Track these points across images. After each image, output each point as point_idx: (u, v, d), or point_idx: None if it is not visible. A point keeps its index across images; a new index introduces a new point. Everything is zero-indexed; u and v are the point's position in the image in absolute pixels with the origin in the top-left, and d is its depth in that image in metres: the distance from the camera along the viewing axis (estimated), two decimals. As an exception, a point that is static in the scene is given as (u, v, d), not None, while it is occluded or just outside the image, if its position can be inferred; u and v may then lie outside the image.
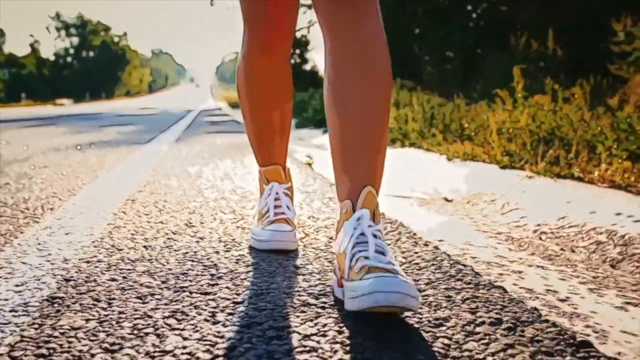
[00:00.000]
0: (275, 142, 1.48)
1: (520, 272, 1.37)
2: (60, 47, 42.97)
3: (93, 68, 44.10)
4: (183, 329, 0.90)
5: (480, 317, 0.98)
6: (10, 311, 0.96)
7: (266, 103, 1.45)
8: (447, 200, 2.54)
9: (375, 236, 1.04)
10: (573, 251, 1.69)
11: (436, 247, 1.47)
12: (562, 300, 1.16)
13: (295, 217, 1.46)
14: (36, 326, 0.90)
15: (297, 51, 19.56)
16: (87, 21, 44.79)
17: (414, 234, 1.62)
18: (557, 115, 3.27)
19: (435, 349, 0.85)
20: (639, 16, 6.83)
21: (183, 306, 1.00)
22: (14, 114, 13.33)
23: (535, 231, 1.91)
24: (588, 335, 0.96)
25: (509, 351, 0.84)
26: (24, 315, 0.95)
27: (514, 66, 3.42)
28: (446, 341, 0.87)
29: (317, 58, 19.70)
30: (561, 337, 0.91)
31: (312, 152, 4.02)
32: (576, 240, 1.76)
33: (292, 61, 19.07)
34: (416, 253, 1.41)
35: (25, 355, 0.80)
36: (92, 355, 0.80)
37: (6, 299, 1.02)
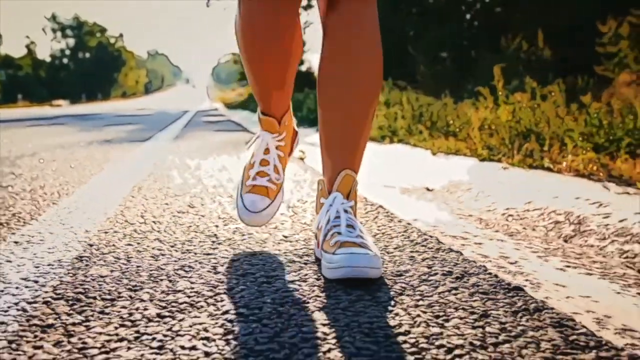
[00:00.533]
0: (273, 95, 1.39)
1: (480, 243, 1.58)
2: (56, 48, 43.18)
3: (89, 69, 44.29)
4: (190, 277, 1.10)
5: (435, 270, 1.18)
6: (48, 265, 1.17)
7: (266, 59, 1.32)
8: (428, 189, 2.74)
9: (346, 211, 1.20)
10: (533, 230, 1.90)
11: (408, 223, 1.68)
12: (511, 263, 1.37)
13: (280, 180, 1.40)
14: (70, 275, 1.11)
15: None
16: (83, 22, 45.01)
17: (391, 214, 1.82)
18: (536, 112, 3.48)
19: (393, 289, 1.06)
20: (624, 17, 7.07)
21: (189, 262, 1.21)
22: (14, 114, 13.48)
23: (503, 214, 2.12)
24: (524, 285, 1.17)
25: (453, 292, 1.05)
26: (59, 268, 1.15)
27: (495, 65, 3.63)
28: (403, 285, 1.08)
29: (312, 59, 19.88)
30: (499, 284, 1.12)
31: (305, 148, 4.23)
32: (537, 221, 1.97)
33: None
34: (390, 227, 1.61)
35: (66, 293, 1.00)
36: (119, 293, 1.01)
37: (42, 257, 1.23)
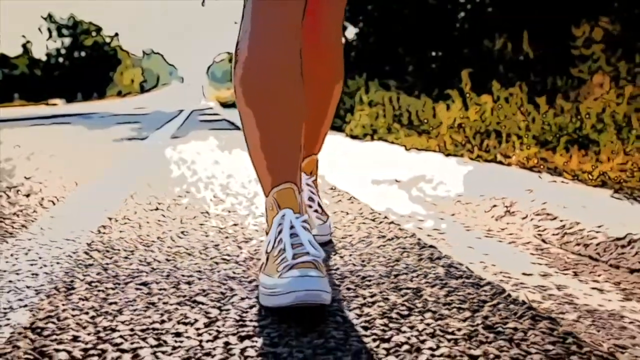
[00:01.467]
0: (299, 153, 1.17)
1: (422, 220, 1.96)
2: (52, 47, 43.56)
3: (85, 68, 44.65)
4: (188, 238, 1.48)
5: (372, 234, 1.56)
6: (82, 230, 1.55)
7: (279, 106, 1.14)
8: (396, 181, 3.12)
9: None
10: (474, 212, 2.28)
11: (366, 205, 2.06)
12: (440, 233, 1.75)
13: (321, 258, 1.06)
14: (100, 236, 1.48)
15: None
16: (78, 22, 45.39)
17: (354, 198, 2.20)
18: (499, 112, 3.87)
19: (337, 247, 1.44)
20: (596, 22, 7.47)
21: (186, 229, 1.58)
22: (14, 114, 13.80)
23: (453, 199, 2.50)
24: (440, 246, 1.54)
25: (380, 247, 1.43)
26: (90, 232, 1.53)
27: (463, 70, 4.01)
28: (345, 243, 1.46)
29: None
30: (418, 244, 1.49)
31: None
32: (479, 204, 2.35)
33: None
34: (349, 207, 1.99)
35: (98, 251, 1.38)
36: (136, 247, 1.38)
37: (78, 219, 1.61)
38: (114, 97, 44.12)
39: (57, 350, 0.78)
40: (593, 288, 1.20)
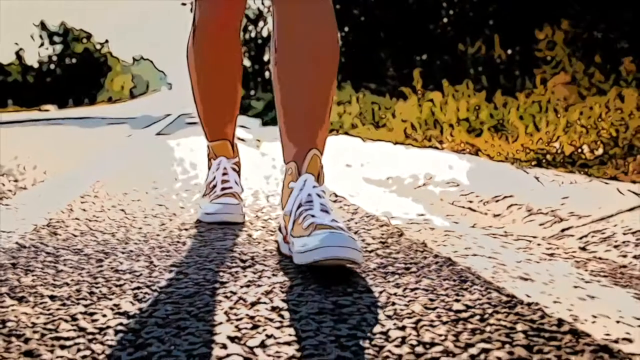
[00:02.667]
0: (225, 117, 1.57)
1: (358, 193, 2.45)
2: (44, 54, 43.89)
3: (76, 75, 45.00)
4: (174, 198, 1.96)
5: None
6: (74, 197, 2.03)
7: (217, 77, 1.52)
8: (347, 165, 3.62)
9: (319, 196, 1.14)
10: (401, 184, 2.77)
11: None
12: (357, 192, 2.24)
13: (241, 192, 1.58)
14: (87, 198, 1.96)
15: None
16: (69, 29, 45.76)
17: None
18: (444, 107, 4.38)
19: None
20: (558, 25, 8.01)
21: (172, 196, 2.07)
22: (15, 117, 14.21)
23: (387, 178, 2.99)
24: (345, 195, 2.03)
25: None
26: (85, 195, 2.01)
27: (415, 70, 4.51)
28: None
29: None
30: (372, 217, 1.98)
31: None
32: (406, 180, 2.84)
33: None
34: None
35: (92, 205, 1.86)
36: (139, 214, 1.86)
37: (76, 179, 2.08)
38: (104, 103, 44.49)
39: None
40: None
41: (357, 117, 5.41)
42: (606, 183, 1.93)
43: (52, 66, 44.05)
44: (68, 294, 0.92)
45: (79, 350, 0.71)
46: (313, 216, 1.09)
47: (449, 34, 12.97)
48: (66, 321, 0.81)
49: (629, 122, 2.54)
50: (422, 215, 1.78)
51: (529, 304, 0.88)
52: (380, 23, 13.77)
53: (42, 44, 44.31)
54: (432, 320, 0.80)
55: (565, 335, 0.76)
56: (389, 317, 0.82)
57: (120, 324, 0.79)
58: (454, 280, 1.01)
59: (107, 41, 49.99)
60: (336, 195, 2.13)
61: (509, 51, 9.90)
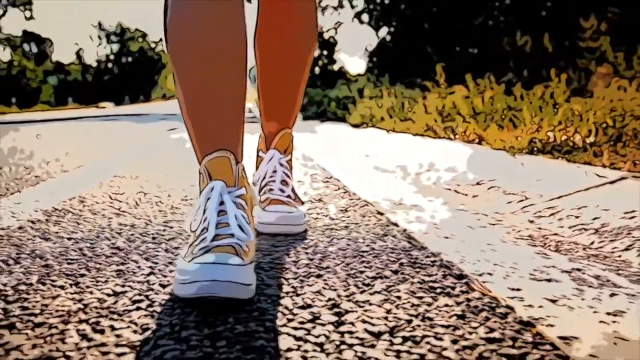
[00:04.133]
0: (238, 116, 1.03)
1: (360, 177, 2.69)
2: (101, 54, 45.88)
3: (132, 73, 46.68)
4: (178, 175, 2.27)
5: (308, 173, 2.31)
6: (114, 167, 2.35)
7: (214, 60, 1.00)
8: (366, 155, 3.86)
9: (281, 165, 1.37)
10: (403, 172, 3.00)
11: (323, 168, 2.80)
12: (359, 179, 2.49)
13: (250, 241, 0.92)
14: (120, 176, 2.28)
15: (325, 52, 20.90)
16: (126, 29, 47.49)
17: (320, 166, 2.95)
18: (468, 100, 4.55)
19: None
20: (604, 15, 7.98)
21: (179, 172, 2.37)
22: (74, 114, 15.03)
23: (396, 166, 3.21)
24: (338, 177, 2.28)
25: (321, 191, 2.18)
26: (119, 175, 2.33)
27: (438, 64, 4.69)
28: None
29: (344, 58, 20.78)
30: (328, 184, 2.24)
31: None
32: (414, 169, 3.06)
33: (320, 62, 20.43)
34: (309, 167, 2.75)
35: (109, 188, 2.18)
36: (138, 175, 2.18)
37: (106, 167, 2.42)
38: (159, 100, 45.88)
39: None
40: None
41: (388, 110, 5.62)
42: (578, 167, 2.12)
43: (110, 65, 45.75)
44: (86, 236, 1.22)
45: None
46: (271, 190, 1.32)
47: (500, 26, 12.91)
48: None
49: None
50: (403, 195, 2.01)
51: (433, 254, 1.12)
52: (427, 17, 13.83)
53: (100, 44, 46.10)
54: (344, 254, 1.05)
55: (439, 269, 0.99)
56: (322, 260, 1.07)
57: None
58: (378, 234, 1.26)
59: (161, 40, 51.51)
60: (319, 166, 2.39)
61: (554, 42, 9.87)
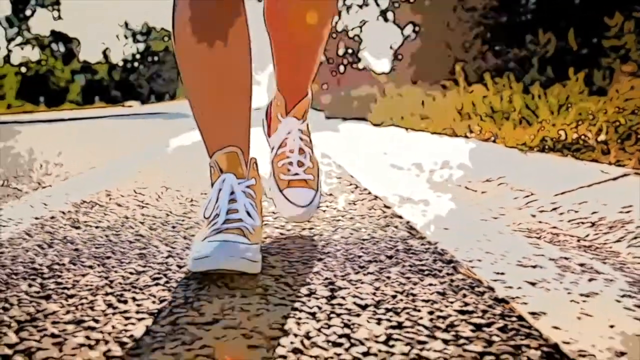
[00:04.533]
0: (245, 113, 1.10)
1: (374, 173, 2.78)
2: (128, 53, 46.56)
3: (157, 72, 47.33)
4: (186, 167, 2.38)
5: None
6: (131, 166, 2.48)
7: (221, 55, 1.05)
8: (384, 153, 3.94)
9: (301, 137, 1.33)
10: (418, 168, 3.07)
11: (340, 165, 2.89)
12: (373, 175, 2.57)
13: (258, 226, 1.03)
14: (142, 171, 2.41)
15: (350, 50, 20.99)
16: (151, 28, 48.16)
17: (336, 163, 3.04)
18: (484, 99, 4.60)
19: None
20: (629, 12, 7.92)
21: (189, 162, 2.49)
22: (101, 113, 15.35)
23: (412, 163, 3.29)
24: (350, 171, 2.37)
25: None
26: (137, 173, 2.46)
27: (456, 64, 4.74)
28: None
29: (368, 57, 20.80)
30: (341, 180, 2.33)
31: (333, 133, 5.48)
32: (429, 166, 3.14)
33: (345, 60, 20.53)
34: (325, 164, 2.85)
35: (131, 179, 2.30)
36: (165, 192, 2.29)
37: (131, 163, 2.54)
38: (184, 98, 46.43)
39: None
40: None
41: (409, 109, 5.69)
42: (584, 164, 2.18)
43: (136, 64, 46.42)
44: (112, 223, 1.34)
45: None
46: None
47: (526, 25, 12.80)
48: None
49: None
50: (413, 191, 2.10)
51: (430, 242, 1.20)
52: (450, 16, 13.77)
53: (126, 44, 46.81)
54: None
55: (431, 255, 1.08)
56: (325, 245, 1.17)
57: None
58: (380, 225, 1.35)
59: (186, 39, 51.94)
60: (343, 174, 2.48)
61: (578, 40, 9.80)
